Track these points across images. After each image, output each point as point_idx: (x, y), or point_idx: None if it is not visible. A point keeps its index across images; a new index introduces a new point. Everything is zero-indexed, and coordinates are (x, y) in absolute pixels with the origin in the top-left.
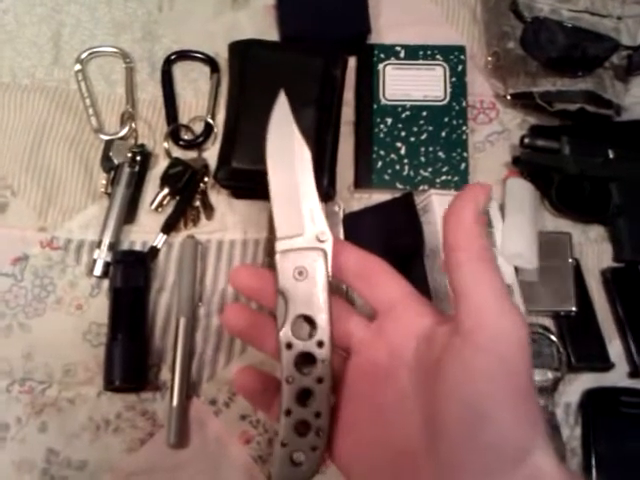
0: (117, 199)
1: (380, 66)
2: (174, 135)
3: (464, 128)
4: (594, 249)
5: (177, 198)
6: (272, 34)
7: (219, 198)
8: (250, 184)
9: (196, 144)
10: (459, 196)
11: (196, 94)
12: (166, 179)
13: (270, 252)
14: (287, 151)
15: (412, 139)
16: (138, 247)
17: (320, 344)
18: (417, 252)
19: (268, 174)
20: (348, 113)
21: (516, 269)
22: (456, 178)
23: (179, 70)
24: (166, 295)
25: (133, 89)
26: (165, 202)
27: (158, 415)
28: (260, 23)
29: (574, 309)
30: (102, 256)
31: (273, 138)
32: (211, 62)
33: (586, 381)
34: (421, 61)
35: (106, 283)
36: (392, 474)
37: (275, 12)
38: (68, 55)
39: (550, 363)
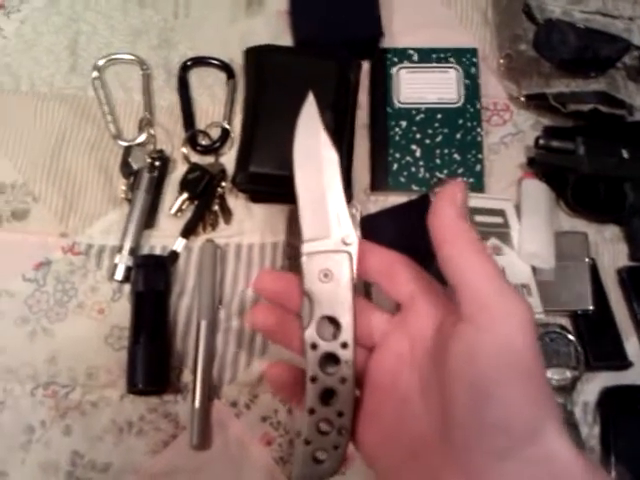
0: (137, 204)
1: (394, 69)
2: (192, 140)
3: (478, 130)
4: (610, 248)
5: (196, 203)
6: (286, 39)
7: (237, 202)
8: (268, 188)
9: (213, 149)
10: (437, 197)
11: (212, 100)
12: (185, 184)
13: (289, 255)
14: (314, 153)
15: (427, 141)
16: (158, 251)
17: (344, 345)
18: (433, 254)
19: (295, 176)
20: (362, 116)
21: (533, 269)
22: (472, 180)
23: (195, 76)
24: (186, 298)
25: (150, 95)
26: (184, 207)
27: (180, 417)
28: (274, 29)
29: (591, 308)
30: (123, 261)
31: (300, 139)
32: (226, 68)
33: (604, 380)
34: (434, 64)
35: (127, 287)
36: (412, 460)
37: (288, 17)
38: (85, 63)
39: (568, 362)
